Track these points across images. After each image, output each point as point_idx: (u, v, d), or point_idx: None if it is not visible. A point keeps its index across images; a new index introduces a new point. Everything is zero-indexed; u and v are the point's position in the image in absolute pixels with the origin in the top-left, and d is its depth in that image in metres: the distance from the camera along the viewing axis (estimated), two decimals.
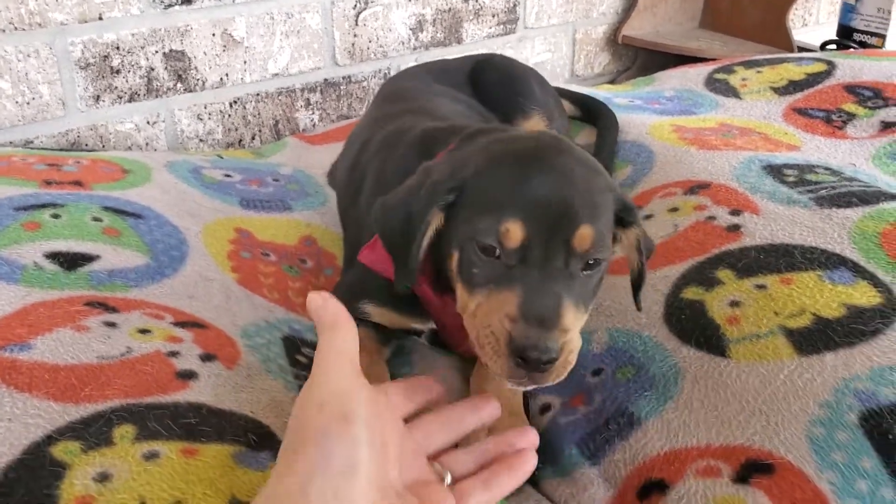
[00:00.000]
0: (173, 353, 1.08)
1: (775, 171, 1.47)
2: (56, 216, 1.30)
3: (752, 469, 0.96)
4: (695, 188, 1.44)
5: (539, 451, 1.13)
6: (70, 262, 1.22)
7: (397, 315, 1.27)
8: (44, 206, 1.32)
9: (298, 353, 1.24)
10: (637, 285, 1.13)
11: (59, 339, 1.05)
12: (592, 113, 1.89)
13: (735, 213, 1.35)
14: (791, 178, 1.44)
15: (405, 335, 1.35)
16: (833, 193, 1.37)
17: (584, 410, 1.14)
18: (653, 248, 1.18)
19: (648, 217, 1.43)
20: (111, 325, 1.10)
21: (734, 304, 1.17)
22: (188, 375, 1.05)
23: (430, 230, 1.04)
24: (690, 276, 1.25)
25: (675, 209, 1.41)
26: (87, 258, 1.24)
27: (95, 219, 1.32)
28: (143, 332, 1.11)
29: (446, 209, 1.04)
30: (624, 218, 1.07)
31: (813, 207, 1.33)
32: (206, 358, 1.10)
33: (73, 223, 1.29)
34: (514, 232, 0.96)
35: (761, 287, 1.18)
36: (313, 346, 1.29)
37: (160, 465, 0.91)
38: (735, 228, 1.31)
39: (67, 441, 0.91)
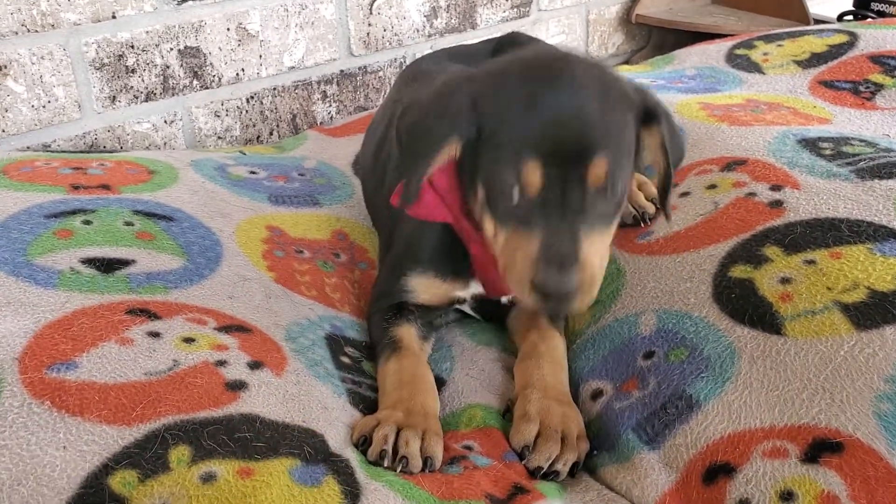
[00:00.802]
0: (221, 363, 1.06)
1: (811, 144, 1.45)
2: (87, 222, 1.28)
3: (821, 448, 0.94)
4: (731, 164, 1.42)
5: (593, 437, 1.12)
6: (107, 266, 1.21)
7: (441, 281, 1.27)
8: (74, 212, 1.30)
9: (342, 354, 1.23)
10: (664, 190, 1.16)
11: (104, 354, 1.03)
12: None
13: (775, 188, 1.33)
14: (828, 152, 1.42)
15: (448, 311, 1.35)
16: (872, 165, 1.35)
17: (639, 395, 1.12)
18: (681, 149, 1.20)
19: (685, 195, 1.41)
20: (155, 335, 1.08)
21: (785, 280, 1.15)
22: (238, 386, 1.04)
23: (443, 156, 1.08)
24: (737, 255, 1.23)
25: (713, 186, 1.39)
26: (123, 262, 1.22)
27: (127, 223, 1.31)
28: (188, 340, 1.09)
29: (465, 138, 1.07)
30: (647, 119, 1.10)
31: (854, 180, 1.31)
32: (255, 366, 1.08)
33: (105, 229, 1.28)
34: (534, 177, 1.00)
35: (811, 262, 1.16)
36: (355, 344, 1.28)
37: (217, 488, 0.89)
38: (777, 204, 1.29)
39: (125, 470, 0.89)
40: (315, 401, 1.08)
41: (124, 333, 1.07)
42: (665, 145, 1.11)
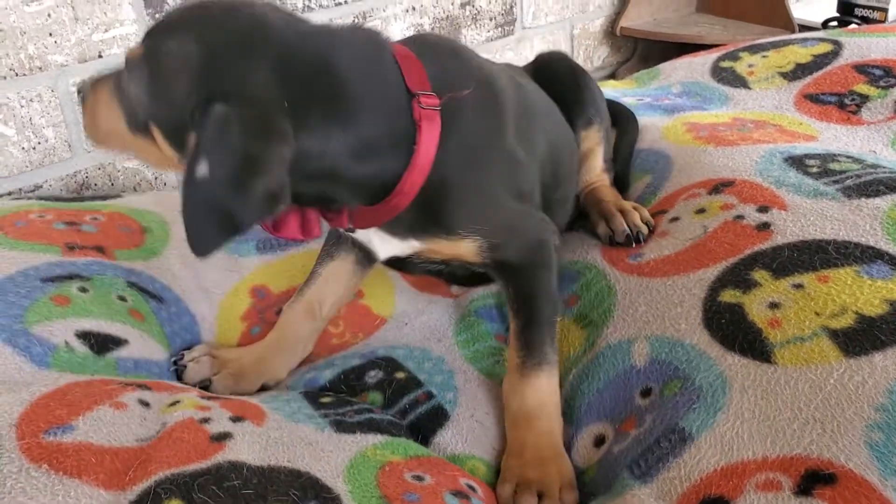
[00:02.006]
0: (205, 420, 1.08)
1: (797, 162, 1.45)
2: (83, 290, 1.31)
3: (814, 480, 0.94)
4: (718, 186, 1.43)
5: (589, 483, 1.13)
6: (101, 344, 1.24)
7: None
8: (70, 277, 1.32)
9: (321, 398, 1.25)
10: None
11: (100, 417, 1.04)
12: (614, 117, 1.82)
13: (763, 209, 1.33)
14: (814, 169, 1.42)
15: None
16: (859, 182, 1.35)
17: (635, 433, 1.12)
18: (226, 199, 1.00)
19: (675, 220, 1.42)
20: (145, 404, 1.10)
21: (773, 305, 1.16)
22: (223, 437, 1.05)
23: None
24: (726, 279, 1.24)
25: (701, 210, 1.40)
26: (116, 341, 1.26)
27: (121, 298, 1.34)
28: (173, 404, 1.11)
29: None
30: (210, 94, 1.02)
31: (841, 199, 1.32)
32: (236, 420, 1.10)
33: (101, 299, 1.30)
34: None
35: (799, 286, 1.17)
36: (332, 385, 1.29)
37: None
38: (765, 227, 1.30)
39: None
40: (297, 440, 1.08)
41: (118, 398, 1.08)
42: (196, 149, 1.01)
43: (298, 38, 1.04)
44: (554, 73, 1.62)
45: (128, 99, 1.07)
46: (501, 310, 1.45)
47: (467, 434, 1.22)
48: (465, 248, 1.21)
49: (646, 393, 1.16)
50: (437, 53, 1.20)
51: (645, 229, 1.44)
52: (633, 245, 1.43)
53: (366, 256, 1.38)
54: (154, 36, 1.05)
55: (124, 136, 1.10)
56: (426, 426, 1.23)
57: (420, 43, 1.21)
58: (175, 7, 1.09)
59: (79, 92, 1.17)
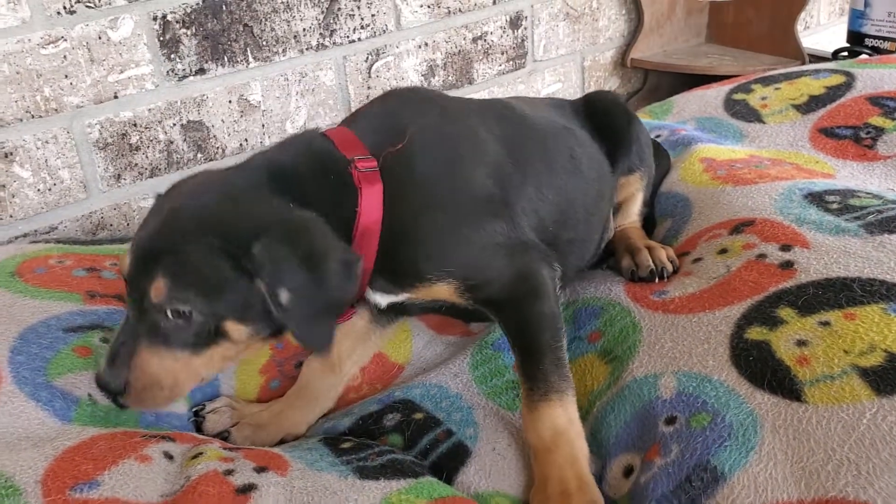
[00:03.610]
0: (229, 472, 1.08)
1: (817, 198, 1.45)
2: (105, 340, 1.31)
3: None
4: (739, 226, 1.43)
5: None
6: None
7: None
8: (92, 327, 1.33)
9: (342, 443, 1.24)
10: (301, 342, 1.19)
11: (125, 472, 1.05)
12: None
13: (785, 248, 1.33)
14: (835, 206, 1.42)
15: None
16: (881, 218, 1.35)
17: (661, 462, 1.11)
18: (324, 299, 1.12)
19: (697, 261, 1.42)
20: (170, 457, 1.11)
21: (801, 343, 1.15)
22: (248, 489, 1.06)
23: None
24: (752, 316, 1.23)
25: (723, 251, 1.40)
26: None
27: None
28: (196, 456, 1.12)
29: None
30: (248, 266, 1.08)
31: (863, 235, 1.31)
32: (260, 470, 1.10)
33: None
34: (123, 267, 1.12)
35: (825, 324, 1.17)
36: (352, 430, 1.29)
37: None
38: (788, 265, 1.29)
39: None
40: (321, 488, 1.09)
41: (143, 451, 1.09)
42: (279, 305, 1.09)
43: (243, 173, 1.20)
44: (600, 115, 1.63)
45: (182, 333, 1.09)
46: None
47: (490, 468, 1.21)
48: (443, 292, 1.24)
49: (670, 421, 1.16)
50: (393, 112, 1.31)
51: (670, 267, 1.45)
52: (657, 281, 1.42)
53: (379, 312, 1.39)
54: (165, 261, 1.07)
55: (194, 368, 1.13)
56: (448, 465, 1.22)
57: (380, 104, 1.35)
58: (147, 229, 1.13)
59: (112, 395, 1.13)
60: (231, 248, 1.07)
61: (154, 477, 1.05)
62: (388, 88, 2.17)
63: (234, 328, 1.11)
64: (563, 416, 1.18)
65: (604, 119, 1.62)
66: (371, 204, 1.20)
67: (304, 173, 1.20)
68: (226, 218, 1.10)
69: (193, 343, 1.10)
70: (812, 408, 1.07)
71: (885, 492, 0.95)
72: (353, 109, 2.13)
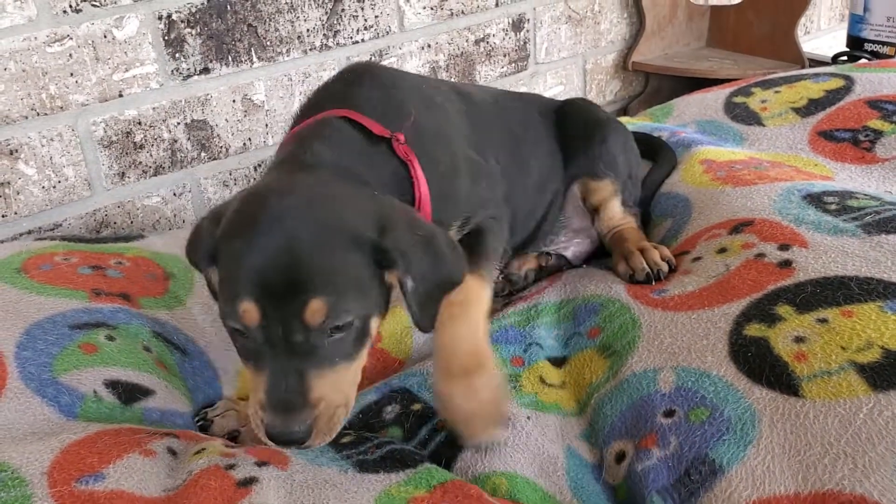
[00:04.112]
0: (230, 466, 1.09)
1: (816, 199, 1.46)
2: (111, 338, 1.32)
3: None
4: (738, 226, 1.44)
5: (623, 502, 1.13)
6: (128, 394, 1.26)
7: None
8: (97, 325, 1.34)
9: (342, 438, 1.24)
10: (416, 323, 1.16)
11: (129, 465, 1.06)
12: (653, 151, 1.87)
13: (784, 247, 1.34)
14: (833, 207, 1.43)
15: None
16: (879, 219, 1.36)
17: (660, 454, 1.12)
18: (448, 277, 1.16)
19: (697, 259, 1.43)
20: (173, 452, 1.13)
21: (799, 339, 1.17)
22: (249, 482, 1.07)
23: (212, 282, 1.13)
24: (750, 313, 1.25)
25: (722, 250, 1.41)
26: (143, 391, 1.28)
27: (146, 348, 1.35)
28: (198, 452, 1.13)
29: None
30: (381, 261, 1.08)
31: (861, 235, 1.33)
32: (261, 464, 1.11)
33: (128, 349, 1.32)
34: (251, 313, 1.01)
35: (823, 321, 1.18)
36: (352, 424, 1.30)
37: None
38: (787, 264, 1.31)
39: None
40: (322, 482, 1.10)
41: (147, 446, 1.10)
42: (403, 287, 1.10)
43: (320, 174, 1.17)
44: (566, 118, 1.69)
45: (342, 345, 1.05)
46: (521, 329, 1.45)
47: (486, 450, 1.20)
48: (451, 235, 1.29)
49: (669, 414, 1.17)
50: (371, 88, 1.34)
51: (665, 267, 1.47)
52: (653, 283, 1.44)
53: None
54: (315, 281, 1.01)
55: (355, 374, 1.11)
56: (447, 452, 1.22)
57: (349, 81, 1.37)
58: (268, 260, 1.02)
59: (297, 442, 1.04)
60: (365, 247, 1.06)
61: (157, 471, 1.07)
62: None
63: (375, 323, 1.10)
64: (478, 288, 1.24)
65: (568, 123, 1.68)
66: (420, 175, 1.25)
67: (360, 159, 1.22)
68: (349, 221, 1.07)
69: (351, 351, 1.06)
70: (809, 402, 1.08)
71: (881, 485, 0.96)
72: None
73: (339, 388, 1.06)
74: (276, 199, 1.07)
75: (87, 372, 1.25)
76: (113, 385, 1.25)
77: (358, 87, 1.35)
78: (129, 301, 1.42)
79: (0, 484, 0.99)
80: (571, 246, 1.70)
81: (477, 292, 1.24)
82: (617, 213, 1.65)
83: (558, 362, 1.38)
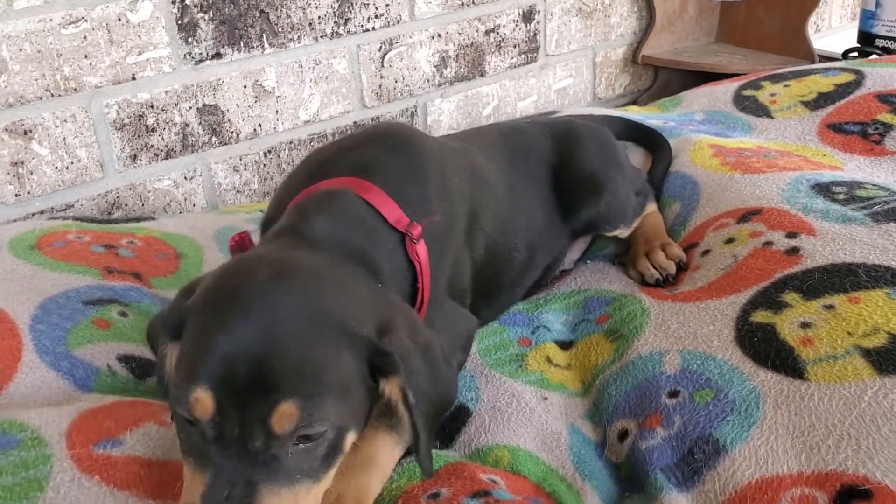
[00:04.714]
0: None
1: (824, 189, 1.47)
2: (123, 314, 1.33)
3: (849, 496, 0.96)
4: (746, 215, 1.45)
5: (625, 479, 1.13)
6: (141, 368, 1.26)
7: None
8: (110, 301, 1.35)
9: None
10: (416, 446, 0.97)
11: (146, 433, 1.07)
12: (650, 144, 1.86)
13: (791, 235, 1.35)
14: (841, 196, 1.44)
15: None
16: (887, 208, 1.37)
17: (664, 434, 1.13)
18: (445, 398, 1.04)
19: (706, 253, 1.44)
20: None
21: (805, 325, 1.18)
22: None
23: (167, 364, 0.96)
24: (757, 301, 1.26)
25: (730, 240, 1.42)
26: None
27: None
28: None
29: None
30: (381, 367, 0.93)
31: (869, 224, 1.34)
32: None
33: (140, 325, 1.32)
34: (204, 404, 0.84)
35: (830, 307, 1.19)
36: None
37: None
38: (794, 252, 1.31)
39: None
40: None
41: (163, 417, 1.11)
42: (407, 399, 0.94)
43: (319, 254, 1.04)
44: (565, 169, 1.57)
45: (308, 459, 0.87)
46: (529, 314, 1.46)
47: (490, 424, 1.20)
48: None
49: (673, 394, 1.18)
50: (396, 164, 1.22)
51: (672, 267, 1.47)
52: (664, 286, 1.45)
53: None
54: (291, 378, 0.85)
55: (315, 498, 0.91)
56: (450, 426, 1.21)
57: (374, 144, 1.25)
58: (238, 343, 0.86)
59: None
60: (359, 346, 0.92)
61: (174, 437, 1.06)
62: (403, 78, 2.21)
63: (350, 439, 0.93)
64: (388, 448, 1.06)
65: (565, 177, 1.57)
66: (427, 282, 1.15)
67: (368, 245, 1.10)
68: (346, 313, 0.93)
69: (318, 468, 0.88)
70: (814, 385, 1.09)
71: (884, 465, 0.97)
72: (364, 98, 2.17)
73: None
74: (266, 272, 0.92)
75: (100, 346, 1.26)
76: (126, 360, 1.26)
77: (382, 156, 1.22)
78: (141, 280, 1.44)
79: (21, 444, 1.01)
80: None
81: (386, 454, 1.05)
82: (631, 230, 1.62)
83: (565, 345, 1.39)
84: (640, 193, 1.64)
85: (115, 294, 1.37)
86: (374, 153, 1.23)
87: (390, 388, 0.94)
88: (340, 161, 1.22)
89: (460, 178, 1.32)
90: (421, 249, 1.15)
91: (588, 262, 1.63)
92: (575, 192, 1.55)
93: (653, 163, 1.80)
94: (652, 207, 1.66)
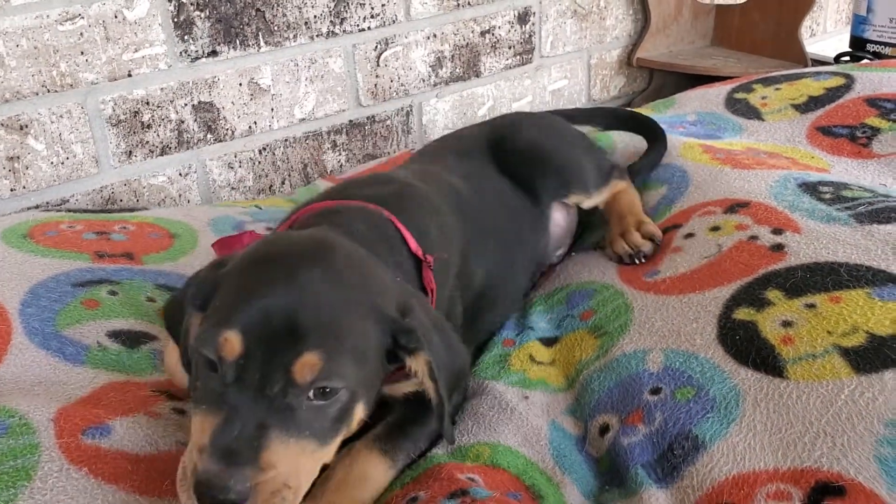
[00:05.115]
0: None
1: (811, 188, 1.49)
2: (113, 293, 1.35)
3: (823, 492, 0.97)
4: (734, 206, 1.46)
5: (605, 473, 1.15)
6: (133, 339, 1.27)
7: None
8: (100, 282, 1.36)
9: None
10: (440, 415, 1.04)
11: (136, 423, 1.08)
12: (646, 132, 1.86)
13: (777, 231, 1.37)
14: (828, 196, 1.46)
15: None
16: (871, 209, 1.38)
17: (646, 431, 1.15)
18: (461, 370, 1.10)
19: (690, 236, 1.46)
20: (180, 412, 1.15)
21: (786, 324, 1.19)
22: None
23: (191, 330, 0.98)
24: (740, 297, 1.27)
25: (716, 228, 1.43)
26: (147, 336, 1.30)
27: (150, 299, 1.37)
28: None
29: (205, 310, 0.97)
30: (405, 344, 0.99)
31: (853, 224, 1.35)
32: None
33: (130, 301, 1.34)
34: (232, 344, 0.88)
35: (811, 306, 1.20)
36: None
37: None
38: (779, 248, 1.33)
39: None
40: None
41: (152, 408, 1.12)
42: (433, 373, 1.00)
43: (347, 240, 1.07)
44: (507, 151, 1.59)
45: (320, 418, 0.92)
46: (516, 319, 1.49)
47: (472, 426, 1.21)
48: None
49: (655, 391, 1.19)
50: (413, 208, 1.27)
51: (647, 245, 1.50)
52: (636, 263, 1.48)
53: None
54: (319, 333, 0.91)
55: (316, 464, 0.95)
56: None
57: (391, 187, 1.30)
58: (275, 299, 0.91)
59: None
60: (384, 322, 0.98)
61: (166, 427, 1.09)
62: (399, 78, 2.22)
63: (359, 411, 0.97)
64: (382, 470, 1.10)
65: (510, 156, 1.58)
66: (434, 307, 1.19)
67: (389, 260, 1.13)
68: (374, 291, 0.99)
69: (326, 430, 0.92)
70: (793, 384, 1.11)
71: (858, 463, 0.98)
72: (360, 97, 2.19)
73: (296, 467, 0.89)
74: (308, 244, 1.00)
75: (89, 325, 1.28)
76: (116, 335, 1.27)
77: (401, 198, 1.27)
78: (133, 259, 1.46)
79: (9, 430, 1.02)
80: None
81: (380, 474, 1.09)
82: (597, 200, 1.64)
83: (549, 342, 1.40)
84: (601, 166, 1.66)
85: (106, 274, 1.39)
86: (390, 191, 1.28)
87: (416, 364, 1.00)
88: (358, 193, 1.26)
89: (454, 218, 1.35)
90: (432, 278, 1.19)
91: (573, 254, 1.65)
92: (524, 167, 1.57)
93: (647, 149, 1.81)
94: (622, 185, 1.66)
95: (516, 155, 1.58)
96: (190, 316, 0.99)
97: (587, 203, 1.63)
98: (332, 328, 0.91)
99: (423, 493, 1.05)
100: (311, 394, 0.89)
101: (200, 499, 0.84)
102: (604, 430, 1.19)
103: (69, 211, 1.64)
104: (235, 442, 0.85)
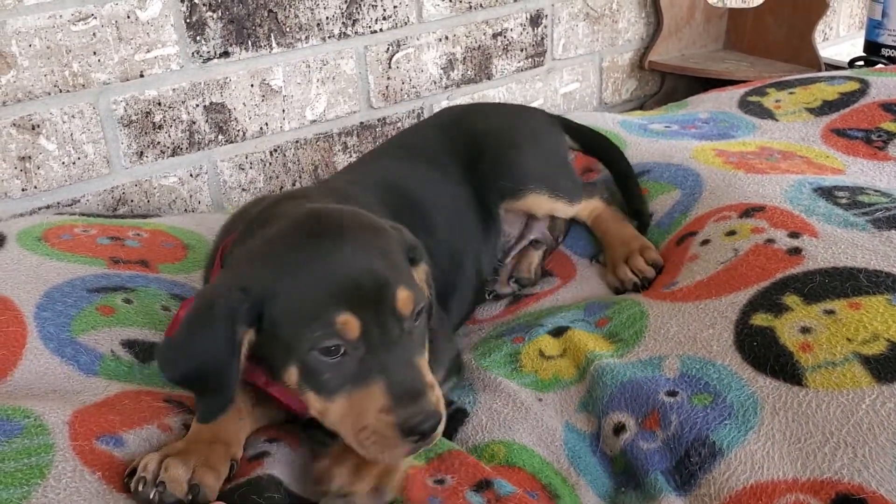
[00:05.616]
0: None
1: (826, 193, 1.48)
2: (128, 301, 1.35)
3: None
4: (749, 211, 1.45)
5: (620, 474, 1.14)
6: (145, 352, 1.28)
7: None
8: (115, 289, 1.36)
9: None
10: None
11: (147, 436, 1.09)
12: (595, 149, 1.80)
13: (794, 235, 1.35)
14: (844, 201, 1.44)
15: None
16: (889, 215, 1.37)
17: (663, 436, 1.13)
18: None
19: (706, 242, 1.45)
20: (188, 427, 1.14)
21: (805, 330, 1.18)
22: (261, 455, 1.11)
23: (244, 349, 1.02)
24: (757, 303, 1.26)
25: (732, 233, 1.42)
26: None
27: (164, 307, 1.37)
28: None
29: (257, 323, 1.02)
30: (413, 257, 1.14)
31: (871, 230, 1.34)
32: (271, 441, 1.15)
33: (145, 310, 1.35)
34: (351, 323, 0.99)
35: (830, 312, 1.19)
36: None
37: None
38: (796, 252, 1.32)
39: None
40: None
41: (164, 420, 1.13)
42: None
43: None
44: (453, 143, 1.62)
45: (420, 331, 1.07)
46: (527, 322, 1.48)
47: (487, 423, 1.22)
48: None
49: (672, 394, 1.18)
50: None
51: (651, 272, 1.50)
52: (641, 291, 1.47)
53: None
54: (394, 277, 1.03)
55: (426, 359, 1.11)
56: (449, 427, 1.21)
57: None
58: (344, 264, 1.02)
59: (433, 428, 1.00)
60: (403, 245, 1.12)
61: (175, 441, 1.09)
62: (410, 80, 2.22)
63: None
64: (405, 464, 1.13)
65: (459, 146, 1.61)
66: None
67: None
68: (385, 226, 1.12)
69: (423, 341, 1.08)
70: (812, 392, 1.10)
71: (880, 475, 0.97)
72: (371, 99, 2.18)
73: (430, 374, 1.05)
74: (325, 216, 1.09)
75: (104, 332, 1.28)
76: (130, 345, 1.28)
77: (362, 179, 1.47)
78: (148, 267, 1.46)
79: (25, 431, 1.02)
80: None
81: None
82: (568, 212, 1.64)
83: (558, 332, 1.38)
84: (566, 176, 1.66)
85: (121, 281, 1.39)
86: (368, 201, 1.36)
87: (418, 273, 1.14)
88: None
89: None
90: None
91: (567, 250, 1.66)
92: (468, 150, 1.60)
93: (610, 170, 1.75)
94: (596, 203, 1.66)
95: (463, 144, 1.62)
96: (241, 333, 1.01)
97: (548, 210, 1.63)
98: (395, 266, 1.05)
99: (451, 477, 1.08)
100: (411, 319, 1.04)
101: (422, 434, 0.98)
102: (618, 429, 1.18)
103: (81, 214, 1.63)
104: (410, 386, 0.99)
